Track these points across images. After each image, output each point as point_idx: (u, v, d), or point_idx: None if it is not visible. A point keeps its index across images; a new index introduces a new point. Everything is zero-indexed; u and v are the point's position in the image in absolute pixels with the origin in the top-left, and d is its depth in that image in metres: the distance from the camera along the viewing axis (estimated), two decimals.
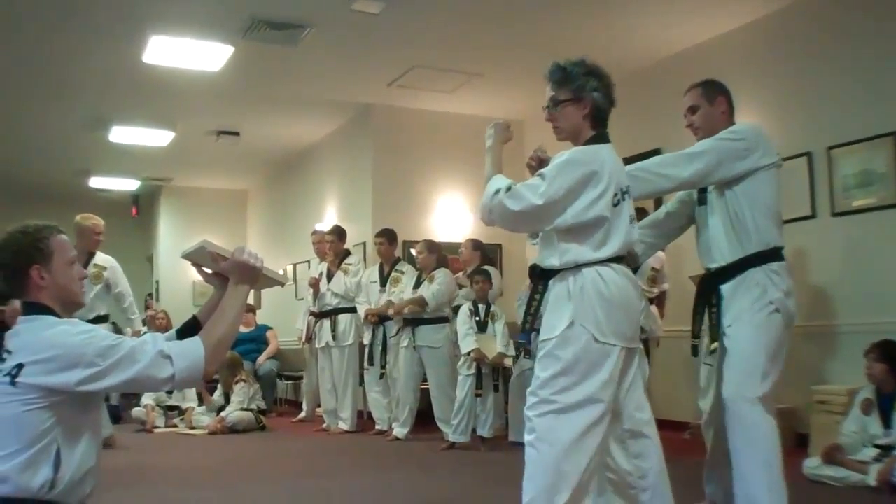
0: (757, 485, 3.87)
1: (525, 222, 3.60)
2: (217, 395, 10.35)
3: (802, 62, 7.74)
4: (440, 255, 9.02)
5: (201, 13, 8.01)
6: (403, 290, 9.04)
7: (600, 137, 3.63)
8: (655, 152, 7.90)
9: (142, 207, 16.96)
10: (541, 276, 3.68)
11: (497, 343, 8.01)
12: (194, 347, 2.88)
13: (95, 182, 15.30)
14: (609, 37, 8.54)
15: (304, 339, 10.50)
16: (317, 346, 9.98)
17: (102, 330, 2.89)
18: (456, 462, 7.34)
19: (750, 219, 4.11)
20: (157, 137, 12.44)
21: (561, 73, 3.65)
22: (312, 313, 10.07)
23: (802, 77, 7.73)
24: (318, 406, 10.47)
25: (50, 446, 2.78)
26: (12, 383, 2.75)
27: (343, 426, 9.62)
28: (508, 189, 3.48)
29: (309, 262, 11.44)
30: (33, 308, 2.95)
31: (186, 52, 8.90)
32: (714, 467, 4.52)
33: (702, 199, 4.38)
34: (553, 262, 3.56)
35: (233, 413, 9.88)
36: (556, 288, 3.55)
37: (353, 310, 9.64)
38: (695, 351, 4.49)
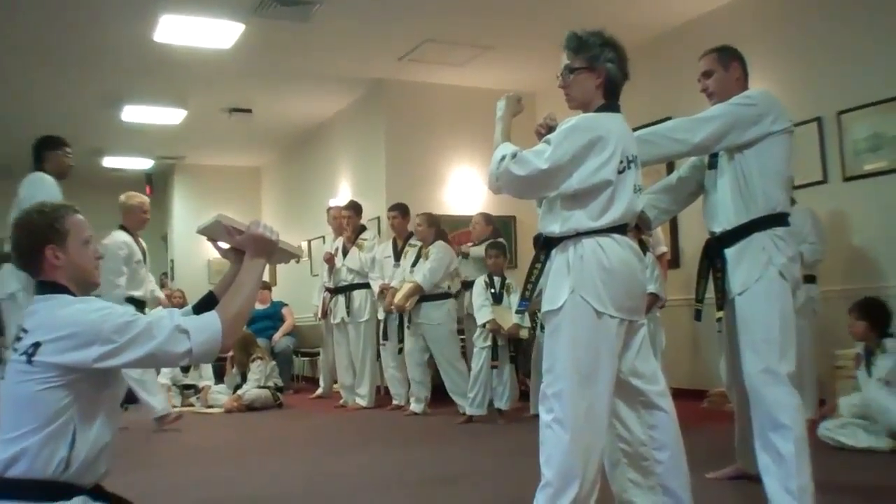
0: (786, 462, 3.84)
1: (531, 188, 3.59)
2: (233, 373, 10.39)
3: (810, 29, 7.74)
4: (439, 228, 9.06)
5: None
6: (407, 266, 9.10)
7: (610, 107, 3.63)
8: (667, 120, 7.89)
9: (156, 186, 16.96)
10: (543, 245, 3.69)
11: (512, 314, 8.01)
12: (211, 321, 2.87)
13: (109, 162, 15.34)
14: (620, 6, 8.49)
15: (319, 316, 10.50)
16: (332, 321, 10.00)
17: (119, 307, 2.89)
18: (473, 435, 7.36)
19: (758, 183, 4.08)
20: (169, 116, 12.48)
21: (577, 42, 3.65)
22: (328, 289, 10.09)
23: (811, 42, 7.72)
24: (336, 382, 10.51)
25: (66, 425, 2.78)
26: (29, 362, 2.76)
27: (361, 402, 9.65)
28: (514, 156, 3.49)
29: (323, 237, 11.48)
30: (49, 287, 2.96)
31: (197, 31, 8.92)
32: (743, 441, 4.52)
33: (712, 164, 4.35)
34: (554, 228, 3.56)
35: (250, 391, 9.91)
36: (557, 259, 3.55)
37: (368, 285, 9.65)
38: (698, 315, 4.50)
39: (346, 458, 6.43)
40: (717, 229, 4.28)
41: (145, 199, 8.13)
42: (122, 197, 8.12)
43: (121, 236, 7.81)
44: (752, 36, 7.85)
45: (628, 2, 8.50)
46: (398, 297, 8.75)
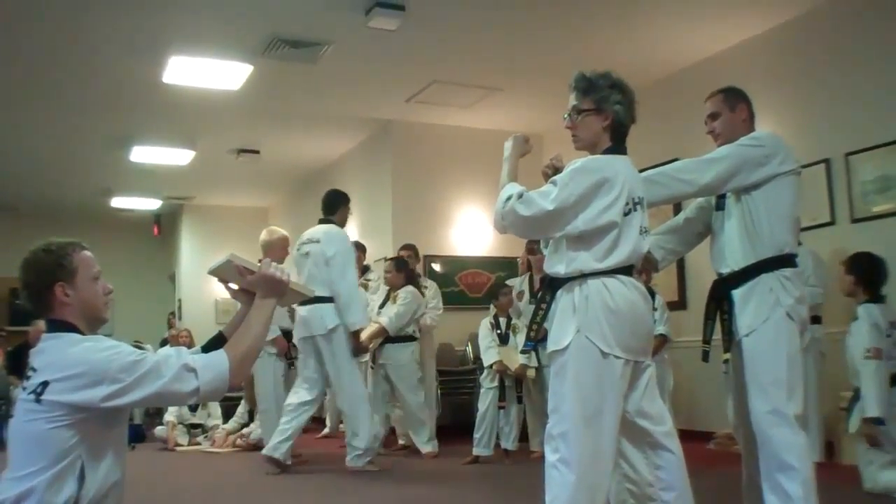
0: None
1: (536, 228, 3.63)
2: (241, 411, 10.35)
3: (818, 70, 7.76)
4: (408, 272, 9.06)
5: (220, 33, 8.08)
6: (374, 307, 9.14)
7: (617, 149, 3.65)
8: (674, 161, 7.91)
9: (163, 226, 17.06)
10: (549, 286, 3.70)
11: (519, 355, 7.99)
12: (219, 360, 2.88)
13: (117, 202, 15.41)
14: (626, 49, 8.56)
15: None
16: None
17: (127, 346, 2.89)
18: (479, 476, 7.31)
19: (766, 224, 4.08)
20: (177, 157, 12.54)
21: (585, 83, 3.68)
22: None
23: (819, 84, 7.75)
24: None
25: (75, 463, 2.79)
26: (37, 400, 2.76)
27: None
28: (520, 196, 3.51)
29: None
30: (57, 325, 2.96)
31: (206, 72, 8.99)
32: (750, 482, 4.49)
33: (719, 205, 4.35)
34: (559, 269, 3.58)
35: (257, 430, 9.87)
36: (562, 299, 3.56)
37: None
38: (705, 357, 4.48)
39: (351, 498, 6.40)
40: (725, 270, 4.27)
41: (286, 234, 8.65)
42: (264, 234, 8.60)
43: None
44: (759, 78, 7.89)
45: (635, 43, 8.55)
46: (363, 335, 8.79)
